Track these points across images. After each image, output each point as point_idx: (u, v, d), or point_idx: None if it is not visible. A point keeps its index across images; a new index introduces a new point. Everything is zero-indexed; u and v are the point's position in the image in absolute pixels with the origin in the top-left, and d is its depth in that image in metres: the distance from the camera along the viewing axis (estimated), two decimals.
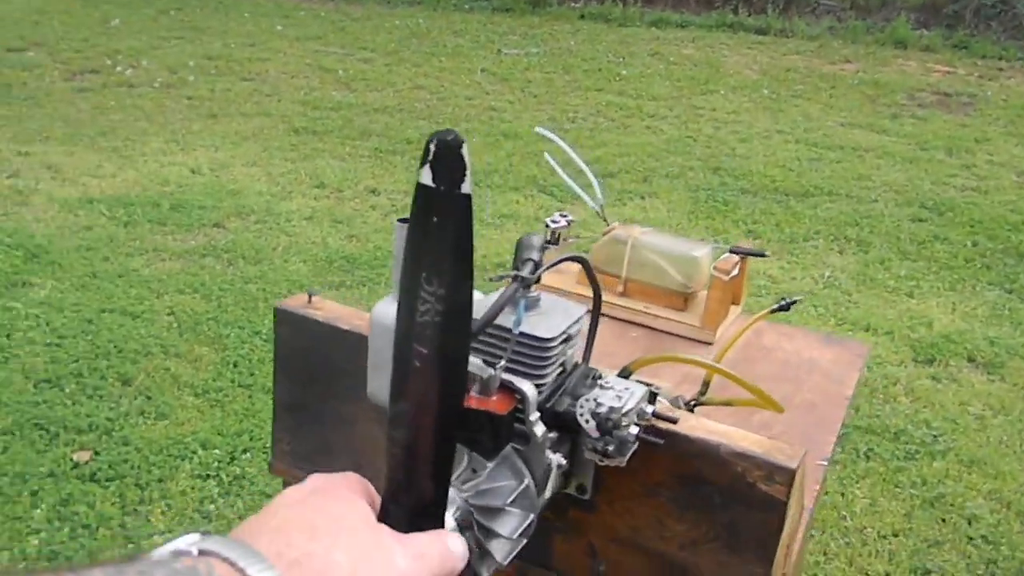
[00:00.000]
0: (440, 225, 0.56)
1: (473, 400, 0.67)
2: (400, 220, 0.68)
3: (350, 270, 4.13)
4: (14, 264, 3.82)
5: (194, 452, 2.76)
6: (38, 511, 2.46)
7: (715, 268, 1.33)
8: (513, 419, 0.69)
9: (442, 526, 0.61)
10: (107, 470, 2.64)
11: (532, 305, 0.74)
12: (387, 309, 0.76)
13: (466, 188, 0.55)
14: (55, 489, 2.54)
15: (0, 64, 7.32)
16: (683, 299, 1.37)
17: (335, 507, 0.57)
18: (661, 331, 1.35)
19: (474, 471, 0.68)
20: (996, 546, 2.68)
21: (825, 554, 2.62)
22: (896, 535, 2.71)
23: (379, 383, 0.78)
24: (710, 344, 1.31)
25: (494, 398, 0.68)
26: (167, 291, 3.79)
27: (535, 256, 0.72)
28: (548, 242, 1.44)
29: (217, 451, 2.77)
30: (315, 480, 0.61)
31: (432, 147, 0.55)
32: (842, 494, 2.88)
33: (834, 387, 1.21)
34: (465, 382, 0.62)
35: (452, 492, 0.67)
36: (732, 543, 0.76)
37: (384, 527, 0.58)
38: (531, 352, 0.72)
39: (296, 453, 0.97)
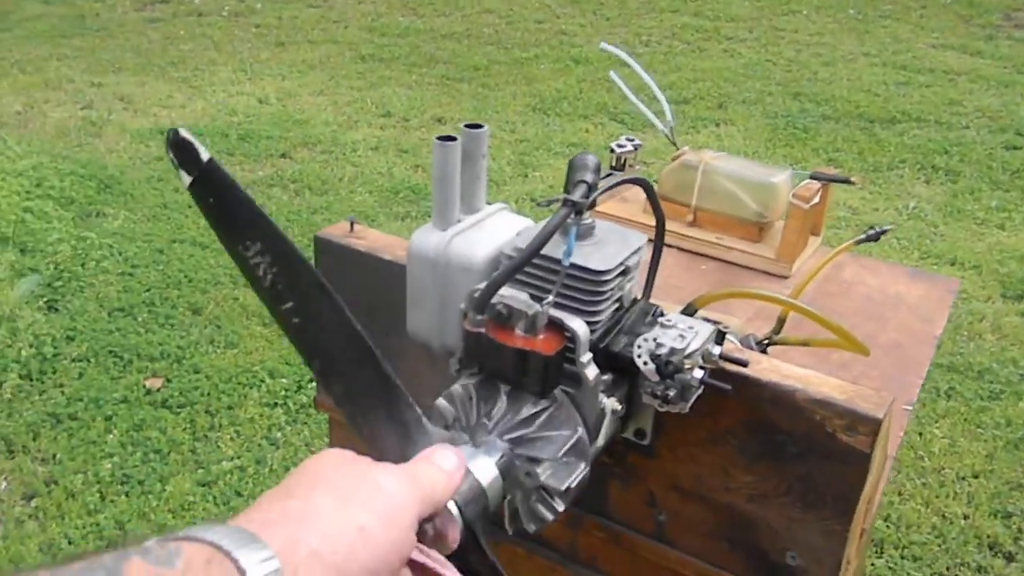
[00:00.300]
0: (218, 200, 0.60)
1: (518, 339, 0.61)
2: (439, 138, 0.61)
3: (415, 200, 4.09)
4: (88, 194, 3.88)
5: (262, 381, 2.79)
6: (111, 436, 2.52)
7: (794, 196, 1.23)
8: (562, 360, 0.63)
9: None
10: (178, 397, 2.68)
11: (585, 234, 0.67)
12: (426, 236, 0.69)
13: (204, 156, 0.58)
14: (128, 415, 2.60)
15: None
16: (758, 229, 1.28)
17: (312, 465, 0.57)
18: (733, 263, 1.26)
19: (518, 414, 0.62)
20: None
21: (900, 494, 2.52)
22: (976, 477, 2.60)
23: (419, 318, 0.72)
24: (787, 278, 1.23)
25: (540, 337, 0.61)
26: None
27: (588, 178, 0.64)
28: (613, 168, 1.36)
29: (284, 380, 2.79)
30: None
31: (171, 155, 0.59)
32: (920, 433, 2.77)
33: (922, 325, 1.12)
34: (343, 306, 0.62)
35: (493, 438, 0.62)
36: (807, 498, 0.69)
37: (365, 459, 0.58)
38: (583, 286, 0.65)
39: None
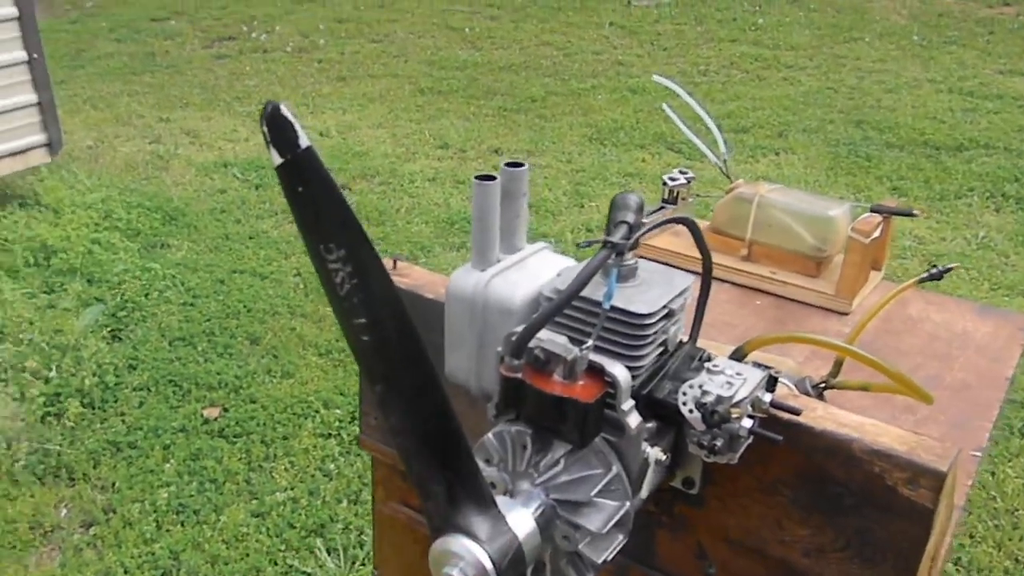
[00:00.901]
0: (307, 191, 0.56)
1: (556, 385, 0.59)
2: (477, 177, 0.59)
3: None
4: (154, 226, 3.97)
5: (316, 411, 2.80)
6: (169, 465, 2.55)
7: (853, 229, 1.19)
8: (602, 408, 0.60)
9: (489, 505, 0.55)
10: (235, 427, 2.71)
11: (628, 275, 0.65)
12: (465, 277, 0.68)
13: (303, 142, 0.54)
14: (186, 444, 2.63)
15: (144, 34, 7.64)
16: (816, 264, 1.24)
17: None
18: (790, 299, 1.22)
19: (571, 475, 0.60)
20: None
21: (972, 536, 2.42)
22: None
23: (457, 360, 0.70)
24: (846, 314, 1.18)
25: (580, 383, 0.59)
26: (295, 252, 3.87)
27: (630, 218, 0.62)
28: (666, 201, 1.33)
29: (338, 411, 2.79)
30: None
31: (265, 128, 0.55)
32: (992, 473, 2.65)
33: (990, 365, 1.06)
34: (417, 336, 0.57)
35: (536, 490, 0.59)
36: (866, 553, 0.65)
37: None
38: (625, 330, 0.62)
39: (384, 428, 0.92)
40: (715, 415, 0.60)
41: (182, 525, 2.35)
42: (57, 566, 2.23)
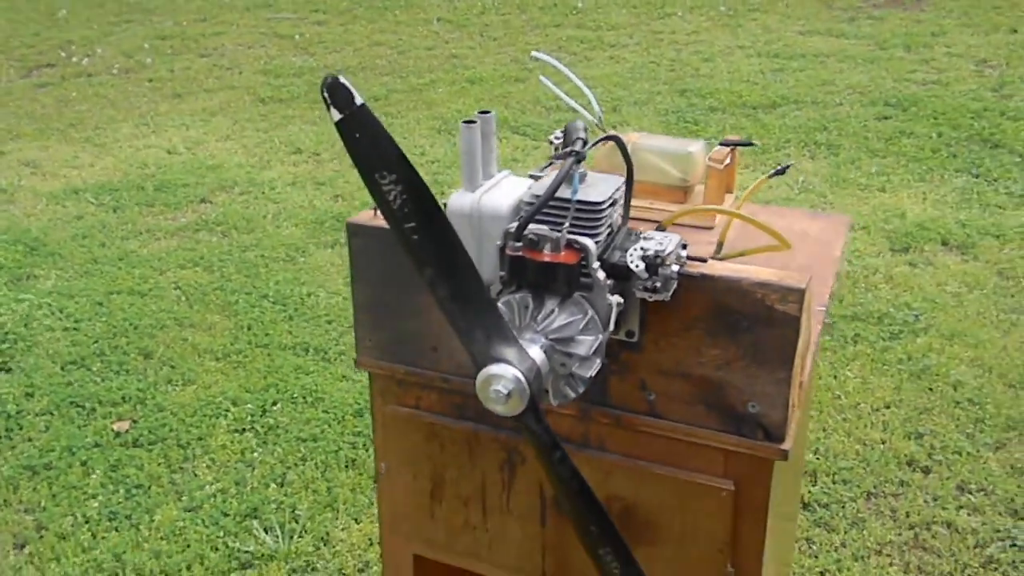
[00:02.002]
0: (363, 136, 0.75)
1: (547, 256, 0.82)
2: (464, 121, 0.82)
3: (342, 228, 4.25)
4: (16, 259, 3.91)
5: (227, 410, 2.91)
6: (92, 478, 2.60)
7: (709, 159, 1.47)
8: (580, 268, 0.84)
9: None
10: (148, 435, 2.78)
11: (581, 179, 0.89)
12: (461, 198, 0.90)
13: (358, 101, 0.74)
14: (102, 457, 2.68)
15: None
16: (683, 192, 1.51)
17: None
18: (675, 225, 1.49)
19: (561, 322, 0.84)
20: (982, 406, 2.89)
21: (824, 430, 2.81)
22: (888, 407, 2.91)
23: None
24: (711, 228, 1.46)
25: (563, 253, 0.83)
26: (168, 268, 3.90)
27: (583, 135, 0.87)
28: (555, 157, 1.58)
29: (249, 406, 2.91)
30: None
31: (326, 94, 0.74)
32: (835, 376, 3.07)
33: (823, 250, 1.37)
34: (452, 229, 0.78)
35: (532, 334, 0.82)
36: (759, 358, 0.92)
37: None
38: (587, 215, 0.87)
39: (378, 347, 1.12)
40: (656, 260, 0.85)
41: (117, 531, 2.43)
42: None
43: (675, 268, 0.87)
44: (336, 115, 0.74)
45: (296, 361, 3.17)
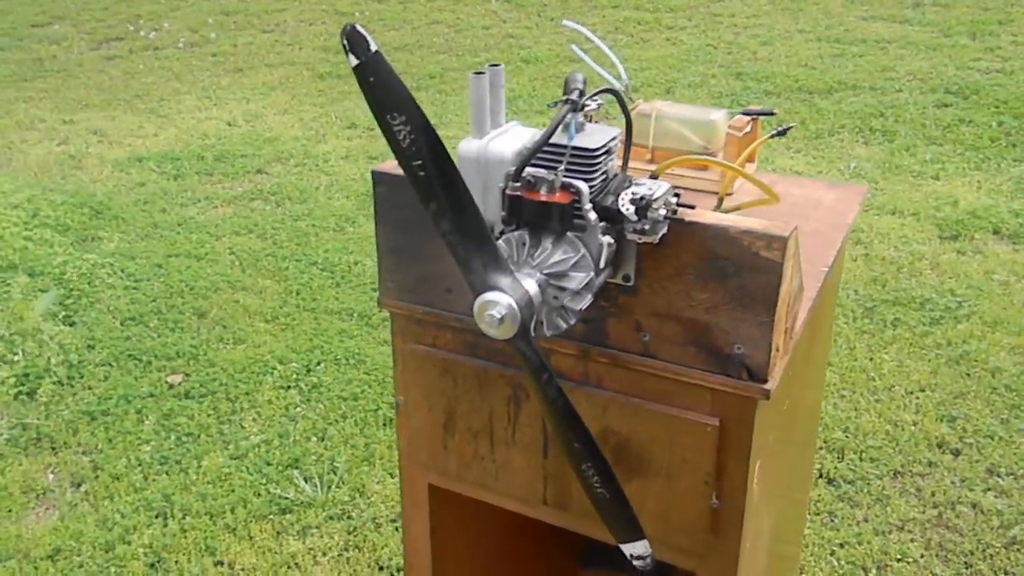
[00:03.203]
0: (376, 80, 0.81)
1: (543, 196, 0.89)
2: (474, 72, 0.89)
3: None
4: (82, 221, 4.10)
5: (273, 368, 3.04)
6: (145, 425, 2.75)
7: (729, 127, 1.52)
8: (573, 208, 0.91)
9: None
10: (199, 388, 2.93)
11: (579, 128, 0.96)
12: (469, 144, 0.98)
13: (374, 47, 0.80)
14: (156, 407, 2.84)
15: (27, 40, 7.54)
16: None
17: None
18: (687, 189, 1.54)
19: (555, 257, 0.91)
20: (1020, 393, 2.87)
21: (856, 409, 2.83)
22: (923, 390, 2.91)
23: None
24: (731, 194, 1.51)
25: (558, 194, 0.90)
26: (224, 234, 4.05)
27: (580, 86, 0.94)
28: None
29: (294, 364, 3.04)
30: None
31: (345, 41, 0.78)
32: (871, 359, 3.08)
33: (836, 217, 1.42)
34: (454, 166, 0.84)
35: (528, 269, 0.90)
36: (744, 302, 0.98)
37: None
38: (582, 160, 0.93)
39: (399, 288, 1.21)
40: (644, 203, 0.91)
41: (167, 474, 2.57)
42: (57, 520, 2.42)
43: (663, 212, 0.94)
44: (353, 60, 0.80)
45: (341, 325, 3.29)
